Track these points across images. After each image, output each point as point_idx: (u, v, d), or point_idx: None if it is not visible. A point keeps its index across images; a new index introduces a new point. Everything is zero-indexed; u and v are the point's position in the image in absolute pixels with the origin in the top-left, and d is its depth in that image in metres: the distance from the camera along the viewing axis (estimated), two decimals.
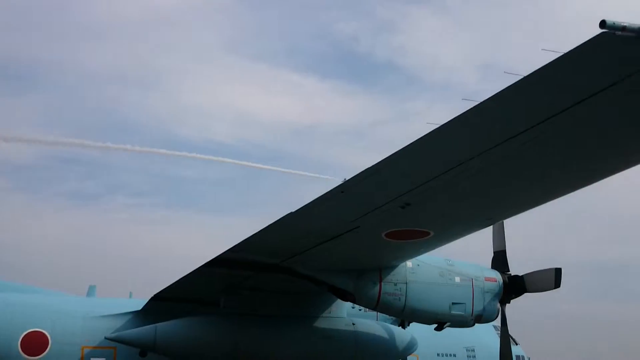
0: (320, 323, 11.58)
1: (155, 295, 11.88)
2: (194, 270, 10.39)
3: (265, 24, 46.16)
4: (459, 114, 5.01)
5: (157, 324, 10.86)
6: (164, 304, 11.78)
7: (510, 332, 15.33)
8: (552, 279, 11.06)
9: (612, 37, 3.67)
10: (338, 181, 7.46)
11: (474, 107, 4.75)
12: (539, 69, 4.18)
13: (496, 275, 11.15)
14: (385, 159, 6.20)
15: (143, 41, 43.32)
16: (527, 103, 4.69)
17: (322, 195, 7.39)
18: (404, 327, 12.65)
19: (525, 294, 11.61)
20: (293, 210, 7.85)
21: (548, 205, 7.52)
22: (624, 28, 3.63)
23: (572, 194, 7.06)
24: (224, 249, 9.52)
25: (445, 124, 5.14)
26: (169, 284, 11.39)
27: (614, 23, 3.62)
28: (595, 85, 4.28)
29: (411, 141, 5.70)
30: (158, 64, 43.99)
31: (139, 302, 12.45)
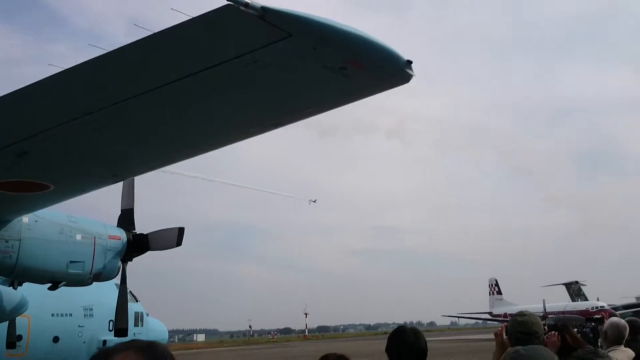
0: None
1: None
2: None
3: None
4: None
5: None
6: None
7: (131, 290, 15.48)
8: (174, 237, 11.54)
9: (235, 10, 3.84)
10: None
11: (96, 57, 4.46)
12: (163, 30, 4.13)
13: (120, 233, 11.06)
14: None
15: None
16: (149, 61, 4.61)
17: None
18: (14, 287, 11.58)
19: (149, 251, 11.86)
20: None
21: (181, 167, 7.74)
22: (247, 4, 3.84)
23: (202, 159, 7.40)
24: None
25: (65, 70, 4.69)
26: None
27: None
28: (216, 55, 4.47)
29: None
30: None
31: None
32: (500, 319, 77.25)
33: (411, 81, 5.07)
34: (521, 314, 3.98)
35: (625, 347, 5.97)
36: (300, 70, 4.81)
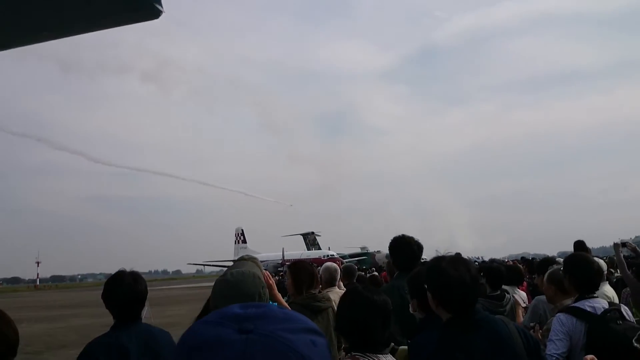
0: None
1: None
2: None
3: None
4: None
5: None
6: None
7: None
8: None
9: None
10: None
11: None
12: None
13: None
14: None
15: None
16: None
17: None
18: None
19: None
20: None
21: None
22: None
23: None
24: None
25: None
26: None
27: None
28: None
29: None
30: None
31: None
32: None
33: (169, 26, 4.80)
34: (241, 257, 4.10)
35: (339, 289, 6.65)
36: None
